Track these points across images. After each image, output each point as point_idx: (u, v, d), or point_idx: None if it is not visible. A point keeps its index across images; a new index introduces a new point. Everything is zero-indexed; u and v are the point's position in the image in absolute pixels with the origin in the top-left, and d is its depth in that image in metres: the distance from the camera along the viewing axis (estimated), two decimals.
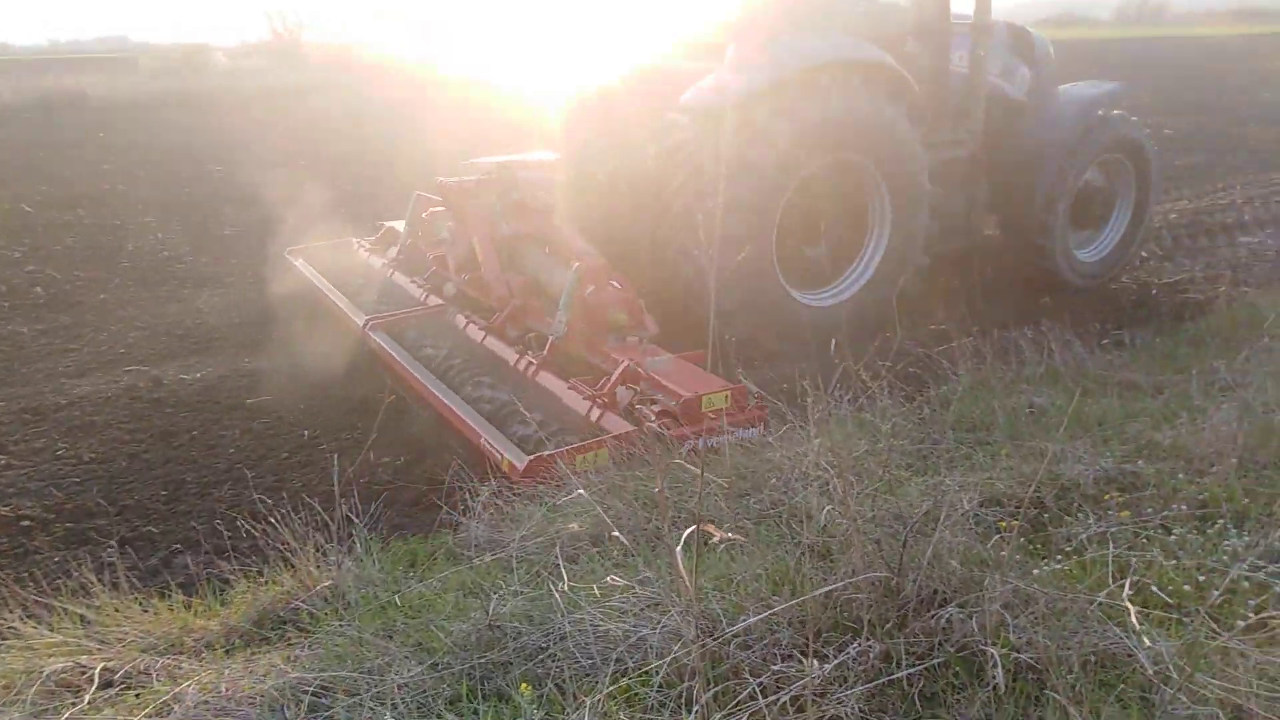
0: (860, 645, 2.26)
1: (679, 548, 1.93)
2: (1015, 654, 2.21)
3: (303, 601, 2.92)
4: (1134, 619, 2.12)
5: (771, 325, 5.19)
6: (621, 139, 5.63)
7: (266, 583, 3.13)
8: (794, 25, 5.21)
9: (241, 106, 21.13)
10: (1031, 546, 2.78)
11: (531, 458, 3.59)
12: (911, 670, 2.20)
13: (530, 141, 6.64)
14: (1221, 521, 2.76)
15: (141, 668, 2.56)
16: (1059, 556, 2.68)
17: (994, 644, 2.19)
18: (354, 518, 3.32)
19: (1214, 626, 2.12)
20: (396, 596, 2.86)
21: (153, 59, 36.14)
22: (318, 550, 3.09)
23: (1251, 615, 2.15)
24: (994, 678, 2.12)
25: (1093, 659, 2.19)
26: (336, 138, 16.29)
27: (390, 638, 2.57)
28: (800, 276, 5.47)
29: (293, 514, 3.17)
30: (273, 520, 3.13)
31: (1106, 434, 3.68)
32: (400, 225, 6.35)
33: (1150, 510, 2.93)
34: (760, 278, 5.08)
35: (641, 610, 2.46)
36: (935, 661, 2.23)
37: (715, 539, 2.46)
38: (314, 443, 4.70)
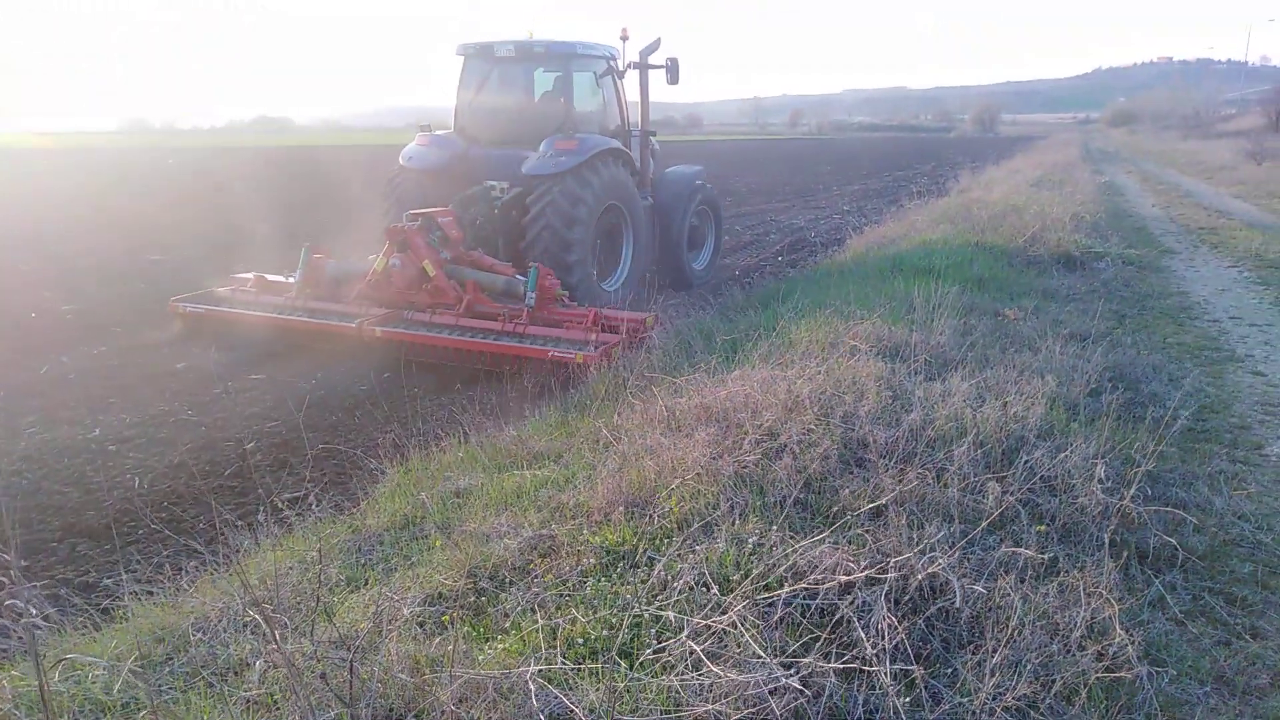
0: None
1: None
2: None
3: None
4: (548, 686, 2.34)
5: (588, 298, 8.77)
6: (459, 198, 9.06)
7: None
8: (575, 130, 9.51)
9: None
10: (476, 632, 2.89)
11: (598, 350, 6.80)
12: None
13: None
14: (621, 565, 3.21)
15: None
16: (499, 635, 2.83)
17: None
18: None
19: (624, 665, 2.43)
20: None
21: None
22: None
23: (654, 644, 2.52)
24: None
25: None
26: None
27: None
28: (598, 272, 9.46)
29: None
30: None
31: (524, 504, 4.02)
32: (270, 275, 8.87)
33: (568, 568, 3.27)
34: (586, 268, 8.99)
35: None
36: None
37: None
38: None
